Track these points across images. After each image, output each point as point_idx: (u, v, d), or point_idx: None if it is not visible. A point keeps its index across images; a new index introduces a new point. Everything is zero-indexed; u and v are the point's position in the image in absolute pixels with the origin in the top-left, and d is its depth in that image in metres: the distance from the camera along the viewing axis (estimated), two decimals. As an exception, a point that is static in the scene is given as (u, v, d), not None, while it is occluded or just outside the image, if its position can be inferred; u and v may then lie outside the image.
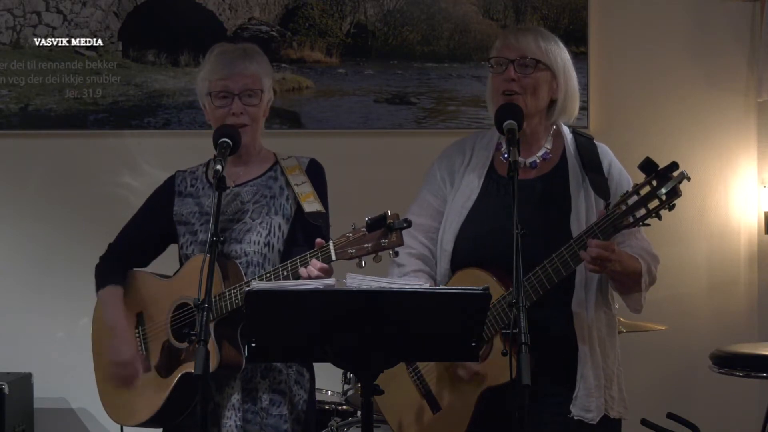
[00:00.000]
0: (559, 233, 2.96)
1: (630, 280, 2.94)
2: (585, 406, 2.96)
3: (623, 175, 3.09)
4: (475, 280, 2.96)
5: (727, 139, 5.03)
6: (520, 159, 3.05)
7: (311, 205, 3.11)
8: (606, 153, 3.12)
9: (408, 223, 2.77)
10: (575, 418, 2.96)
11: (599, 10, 5.01)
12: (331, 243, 2.87)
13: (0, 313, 5.01)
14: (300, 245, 3.15)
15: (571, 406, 2.96)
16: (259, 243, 3.16)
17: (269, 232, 3.17)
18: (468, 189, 3.10)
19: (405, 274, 3.06)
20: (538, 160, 3.07)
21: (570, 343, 2.97)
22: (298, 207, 3.16)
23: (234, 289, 3.01)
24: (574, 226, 2.98)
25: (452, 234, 3.07)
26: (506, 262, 2.87)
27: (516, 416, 2.52)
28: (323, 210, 3.12)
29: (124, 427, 3.40)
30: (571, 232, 2.96)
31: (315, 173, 3.25)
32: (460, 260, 3.05)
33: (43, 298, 5.00)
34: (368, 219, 2.77)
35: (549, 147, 3.09)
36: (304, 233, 3.14)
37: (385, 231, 2.76)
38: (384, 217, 2.75)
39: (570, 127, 3.16)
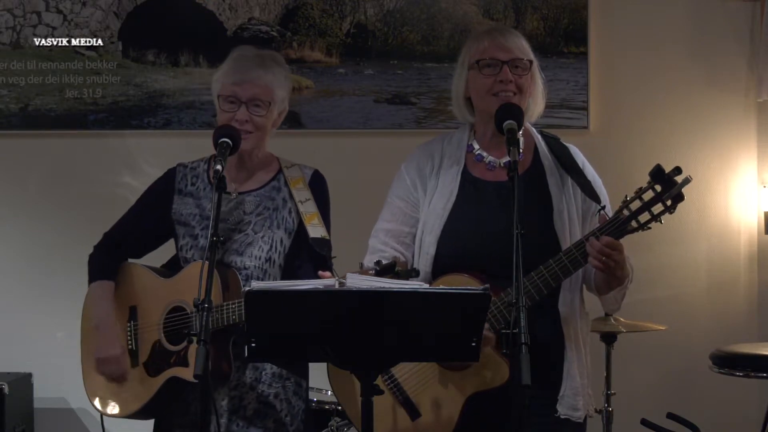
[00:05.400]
0: (544, 233, 2.97)
1: (617, 283, 2.95)
2: (572, 404, 2.97)
3: (595, 175, 3.12)
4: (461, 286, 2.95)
5: (727, 139, 5.02)
6: (494, 159, 3.07)
7: (315, 229, 3.10)
8: (577, 153, 3.14)
9: (416, 273, 2.78)
10: (562, 417, 2.96)
11: (599, 10, 5.00)
12: (336, 282, 2.86)
13: (0, 313, 5.01)
14: (301, 259, 3.15)
15: (557, 405, 2.96)
16: (260, 258, 3.15)
17: (271, 246, 3.16)
18: (446, 190, 3.08)
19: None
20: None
21: (554, 345, 2.98)
22: (301, 222, 3.15)
23: (232, 304, 3.01)
24: (558, 225, 3.00)
25: (434, 237, 3.06)
26: (491, 268, 2.89)
27: (515, 416, 2.52)
28: (327, 236, 3.11)
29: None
30: (556, 232, 2.98)
31: (318, 187, 3.23)
32: (442, 264, 3.04)
33: (43, 298, 5.00)
34: (376, 265, 2.77)
35: (521, 147, 3.09)
36: (307, 250, 3.12)
37: (393, 277, 2.75)
38: (393, 265, 2.76)
39: (537, 126, 3.17)
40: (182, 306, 3.15)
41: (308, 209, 3.14)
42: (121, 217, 3.39)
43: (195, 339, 2.68)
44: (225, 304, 3.02)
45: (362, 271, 2.82)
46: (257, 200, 3.20)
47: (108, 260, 3.33)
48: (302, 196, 3.17)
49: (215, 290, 2.96)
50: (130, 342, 3.25)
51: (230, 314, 3.00)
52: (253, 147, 3.16)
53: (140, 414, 3.23)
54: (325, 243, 3.08)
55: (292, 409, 3.18)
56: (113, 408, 3.26)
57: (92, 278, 3.33)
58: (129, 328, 3.26)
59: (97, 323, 3.26)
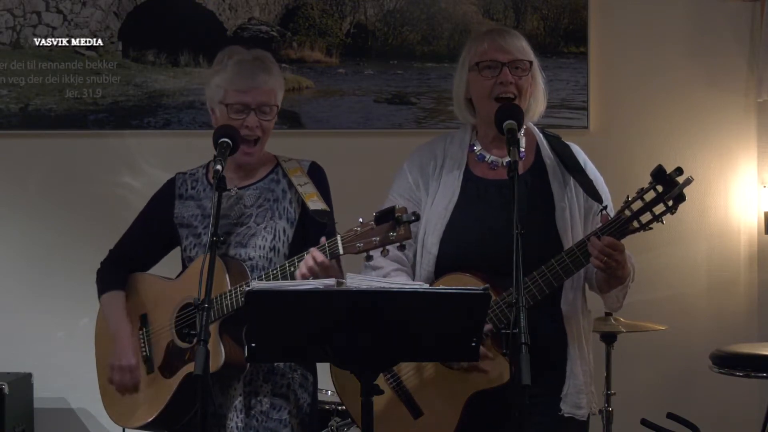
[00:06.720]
0: (546, 232, 2.97)
1: (618, 282, 2.96)
2: (576, 403, 2.97)
3: (597, 173, 3.12)
4: (462, 285, 2.95)
5: (727, 139, 5.02)
6: (496, 158, 3.07)
7: (315, 203, 3.11)
8: (579, 152, 3.15)
9: (416, 217, 2.75)
10: (566, 415, 2.97)
11: (599, 10, 5.00)
12: (338, 237, 2.86)
13: (0, 313, 5.01)
14: (309, 248, 3.14)
15: (561, 404, 2.97)
16: (264, 248, 3.15)
17: (274, 236, 3.16)
18: (449, 191, 3.09)
19: (386, 275, 3.05)
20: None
21: (555, 343, 2.98)
22: (303, 210, 3.15)
23: (240, 287, 3.00)
24: (560, 224, 3.00)
25: (437, 237, 3.06)
26: (493, 265, 2.88)
27: (515, 416, 2.53)
28: (328, 208, 3.12)
29: (127, 429, 3.40)
30: (558, 231, 2.98)
31: (317, 175, 3.23)
32: (445, 263, 3.04)
33: (43, 298, 5.00)
34: (376, 212, 2.76)
35: (523, 146, 3.09)
36: (311, 235, 3.11)
37: (393, 224, 2.75)
38: (392, 210, 2.74)
39: (537, 125, 3.17)
40: (191, 302, 3.14)
41: (307, 190, 3.15)
42: (125, 231, 3.40)
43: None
44: (230, 289, 3.01)
45: (362, 225, 2.80)
46: (257, 193, 3.21)
47: (116, 273, 3.35)
48: (301, 180, 3.18)
49: (221, 279, 2.96)
50: (144, 349, 3.25)
51: (238, 297, 3.00)
52: (260, 150, 3.17)
53: (161, 420, 3.20)
54: (325, 213, 3.07)
55: (297, 400, 3.18)
56: (134, 419, 3.25)
57: (102, 291, 3.34)
58: (141, 336, 3.27)
59: (113, 332, 3.27)
